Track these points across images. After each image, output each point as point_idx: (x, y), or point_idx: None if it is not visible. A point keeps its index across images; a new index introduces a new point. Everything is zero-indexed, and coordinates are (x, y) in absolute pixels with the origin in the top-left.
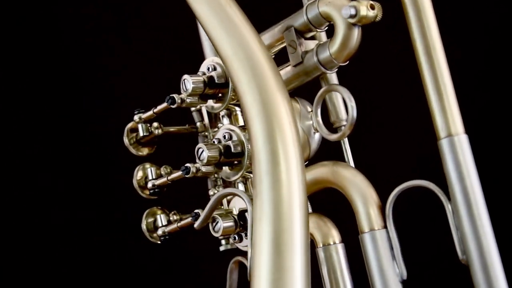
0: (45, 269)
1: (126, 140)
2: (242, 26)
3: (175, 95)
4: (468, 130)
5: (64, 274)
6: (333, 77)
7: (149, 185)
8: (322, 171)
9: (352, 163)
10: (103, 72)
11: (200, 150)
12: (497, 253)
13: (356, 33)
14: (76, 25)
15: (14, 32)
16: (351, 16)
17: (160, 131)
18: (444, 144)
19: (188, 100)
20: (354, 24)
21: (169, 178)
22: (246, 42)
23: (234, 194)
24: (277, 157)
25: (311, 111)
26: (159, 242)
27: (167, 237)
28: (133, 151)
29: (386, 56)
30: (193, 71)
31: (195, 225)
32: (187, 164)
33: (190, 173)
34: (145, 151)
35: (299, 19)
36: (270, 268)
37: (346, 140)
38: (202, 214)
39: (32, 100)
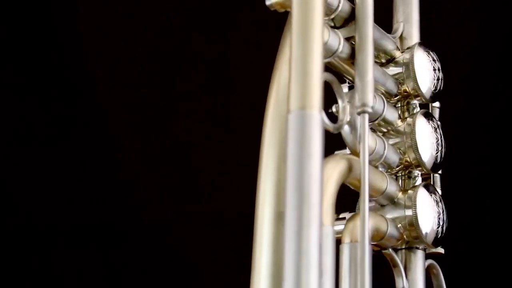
0: (45, 269)
1: None
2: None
3: None
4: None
5: (64, 274)
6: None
7: None
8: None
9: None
10: (103, 72)
11: None
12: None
13: None
14: (75, 25)
15: (14, 32)
16: (269, 6)
17: None
18: (291, 118)
19: None
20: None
21: None
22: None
23: None
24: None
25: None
26: None
27: None
28: None
29: None
30: (192, 70)
31: None
32: None
33: None
34: None
35: None
36: (269, 265)
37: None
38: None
39: (32, 100)
